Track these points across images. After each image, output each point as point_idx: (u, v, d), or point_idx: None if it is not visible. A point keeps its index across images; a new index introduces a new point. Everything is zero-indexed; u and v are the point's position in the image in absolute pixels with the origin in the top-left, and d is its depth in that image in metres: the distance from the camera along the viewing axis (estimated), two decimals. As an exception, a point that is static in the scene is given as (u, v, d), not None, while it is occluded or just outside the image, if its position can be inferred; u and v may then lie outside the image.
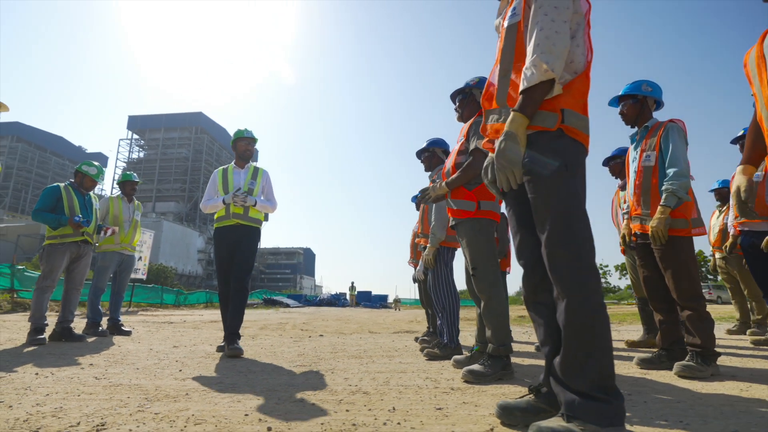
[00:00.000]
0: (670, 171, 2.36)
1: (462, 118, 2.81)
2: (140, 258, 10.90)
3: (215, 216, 3.56)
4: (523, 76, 1.35)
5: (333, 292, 33.37)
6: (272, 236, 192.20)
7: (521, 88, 1.35)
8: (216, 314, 10.83)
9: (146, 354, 3.16)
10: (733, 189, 1.78)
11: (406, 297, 33.46)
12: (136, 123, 56.68)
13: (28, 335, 3.57)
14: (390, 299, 29.26)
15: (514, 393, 1.90)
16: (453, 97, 2.90)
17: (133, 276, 10.53)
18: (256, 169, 3.69)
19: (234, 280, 3.37)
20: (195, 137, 57.06)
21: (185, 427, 1.38)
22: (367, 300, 27.20)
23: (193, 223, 53.75)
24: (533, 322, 1.48)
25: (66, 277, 3.99)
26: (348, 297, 24.44)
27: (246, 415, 1.51)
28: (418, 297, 4.45)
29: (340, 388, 2.00)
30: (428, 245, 3.33)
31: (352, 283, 24.42)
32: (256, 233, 3.57)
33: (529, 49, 1.36)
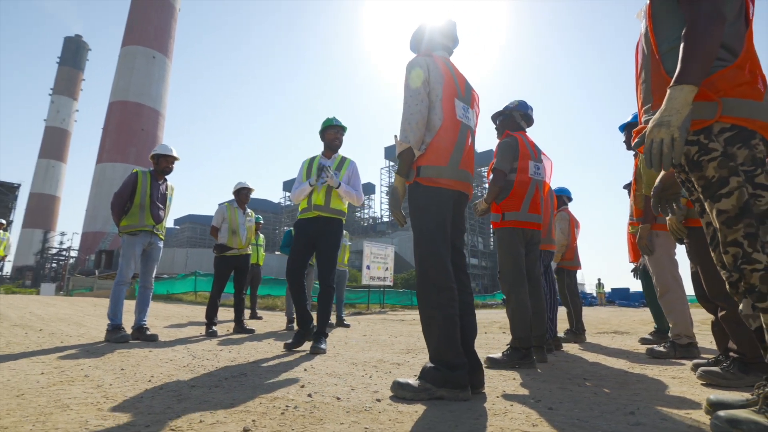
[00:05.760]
0: None
1: (499, 138, 3.19)
2: (387, 268, 13.96)
3: (299, 209, 3.58)
4: None
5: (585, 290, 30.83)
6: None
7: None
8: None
9: (331, 339, 4.74)
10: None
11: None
12: (390, 152, 68.18)
13: (286, 324, 5.84)
14: (655, 297, 24.85)
15: (496, 375, 2.35)
16: (494, 118, 3.30)
17: (381, 283, 13.68)
18: (343, 159, 3.65)
19: (320, 279, 3.39)
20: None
21: (233, 361, 2.63)
22: (624, 298, 24.02)
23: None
24: None
25: (301, 288, 6.23)
26: (596, 294, 22.35)
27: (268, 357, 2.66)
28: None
29: (354, 360, 2.88)
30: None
31: (599, 279, 22.23)
32: (337, 225, 3.47)
33: None
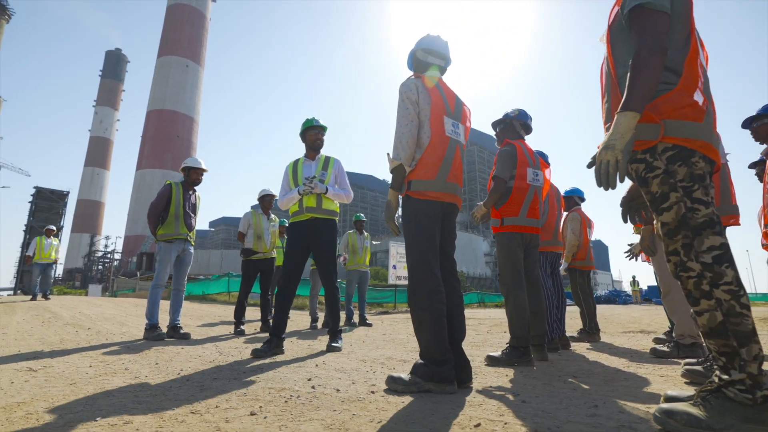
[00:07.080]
0: None
1: (499, 145, 3.33)
2: (412, 267, 14.21)
3: (290, 212, 3.55)
4: None
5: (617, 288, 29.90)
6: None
7: None
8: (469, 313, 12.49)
9: (348, 336, 4.99)
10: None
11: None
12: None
13: (310, 323, 6.14)
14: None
15: (492, 372, 2.51)
16: (494, 126, 3.44)
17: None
18: (327, 158, 3.62)
19: (324, 282, 3.45)
20: (467, 149, 63.56)
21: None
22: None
23: (477, 229, 59.20)
24: None
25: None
26: (630, 293, 21.69)
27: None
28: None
29: (365, 357, 3.08)
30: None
31: (633, 277, 21.54)
32: (331, 226, 3.50)
33: None
